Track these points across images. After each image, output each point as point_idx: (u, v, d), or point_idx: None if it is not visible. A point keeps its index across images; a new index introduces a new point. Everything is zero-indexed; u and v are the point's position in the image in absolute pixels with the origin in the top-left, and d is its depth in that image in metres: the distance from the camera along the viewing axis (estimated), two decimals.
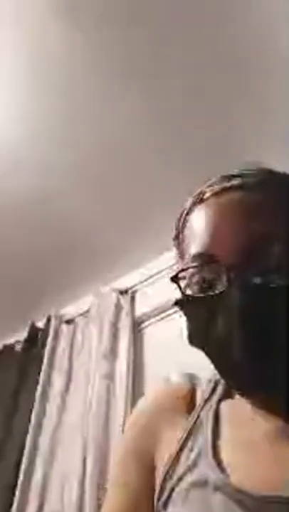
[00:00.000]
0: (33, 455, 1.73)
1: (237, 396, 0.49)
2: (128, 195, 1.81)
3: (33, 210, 1.88)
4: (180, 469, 0.46)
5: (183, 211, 0.51)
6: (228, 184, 0.46)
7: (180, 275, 0.46)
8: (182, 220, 0.51)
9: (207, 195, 0.47)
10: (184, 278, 0.46)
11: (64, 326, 2.13)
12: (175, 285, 0.46)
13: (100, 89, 1.47)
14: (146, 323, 1.95)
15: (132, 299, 1.99)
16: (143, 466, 0.51)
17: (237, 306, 0.39)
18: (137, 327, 1.93)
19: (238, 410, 0.48)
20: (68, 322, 2.14)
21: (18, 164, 1.69)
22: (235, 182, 0.46)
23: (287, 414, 0.43)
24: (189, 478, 0.44)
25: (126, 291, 2.00)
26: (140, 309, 1.95)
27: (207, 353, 0.45)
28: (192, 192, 0.51)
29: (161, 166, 1.69)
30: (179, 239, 0.52)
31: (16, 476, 1.69)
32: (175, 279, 0.46)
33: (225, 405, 0.50)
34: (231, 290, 0.40)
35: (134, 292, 2.02)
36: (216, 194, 0.46)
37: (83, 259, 2.09)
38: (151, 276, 1.96)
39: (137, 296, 2.01)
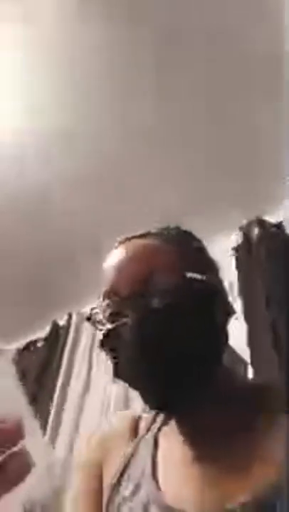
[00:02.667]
0: None
1: (172, 421, 0.55)
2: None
3: (56, 208, 1.89)
4: (121, 495, 0.51)
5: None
6: (130, 236, 0.58)
7: (95, 316, 0.54)
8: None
9: (116, 244, 0.58)
10: (100, 320, 0.53)
11: (85, 323, 2.13)
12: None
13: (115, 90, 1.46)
14: None
15: None
16: (95, 477, 0.57)
17: (132, 325, 0.48)
18: None
19: (171, 435, 0.54)
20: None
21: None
22: (138, 234, 0.58)
23: (206, 435, 0.50)
24: (134, 498, 0.50)
25: None
26: None
27: (126, 382, 0.52)
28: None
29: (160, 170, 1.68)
30: None
31: None
32: (90, 319, 0.54)
33: (163, 431, 0.56)
34: (128, 317, 0.48)
35: None
36: (122, 243, 0.58)
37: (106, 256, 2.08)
38: None
39: None
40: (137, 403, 1.59)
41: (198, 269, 0.53)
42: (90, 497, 0.56)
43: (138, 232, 0.59)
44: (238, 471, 0.46)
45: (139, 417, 0.62)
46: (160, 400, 0.50)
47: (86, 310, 2.23)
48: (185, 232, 0.61)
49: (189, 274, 0.51)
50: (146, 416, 0.61)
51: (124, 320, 0.49)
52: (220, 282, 0.57)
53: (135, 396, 1.60)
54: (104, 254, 0.58)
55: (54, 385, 1.94)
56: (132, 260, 0.54)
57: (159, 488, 0.48)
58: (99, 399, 1.73)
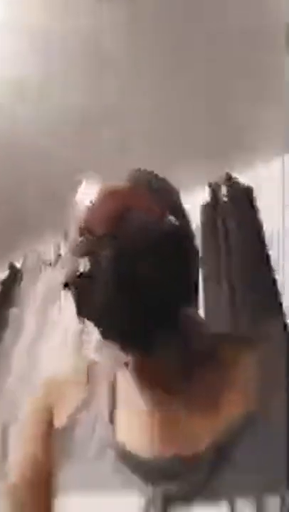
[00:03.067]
0: None
1: (130, 366, 0.55)
2: (116, 136, 1.72)
3: (15, 145, 1.79)
4: (78, 432, 0.51)
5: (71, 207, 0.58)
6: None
7: (64, 256, 0.48)
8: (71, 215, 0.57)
9: (87, 182, 0.57)
10: (70, 260, 0.52)
11: (42, 266, 2.09)
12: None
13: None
14: None
15: None
16: (45, 432, 0.55)
17: (109, 264, 0.47)
18: None
19: (128, 380, 0.54)
20: (48, 262, 2.09)
21: None
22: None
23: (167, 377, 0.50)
24: (87, 442, 0.49)
25: None
26: None
27: (93, 321, 0.51)
28: None
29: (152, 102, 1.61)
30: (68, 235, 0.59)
31: None
32: (60, 257, 0.49)
33: (120, 375, 0.56)
34: (104, 253, 0.48)
35: None
36: (93, 181, 0.55)
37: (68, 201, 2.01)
38: None
39: None
40: (94, 342, 1.61)
41: (172, 212, 0.53)
42: (38, 441, 0.55)
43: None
44: (201, 414, 0.46)
45: (95, 362, 0.61)
46: (126, 341, 0.50)
47: (44, 249, 2.19)
48: (161, 178, 0.60)
49: (166, 216, 0.51)
50: (104, 360, 0.60)
51: (99, 259, 0.48)
52: (192, 231, 0.57)
53: (91, 339, 1.62)
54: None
55: (6, 325, 1.92)
56: (107, 198, 0.53)
57: (115, 434, 0.48)
58: (53, 340, 1.73)
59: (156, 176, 0.60)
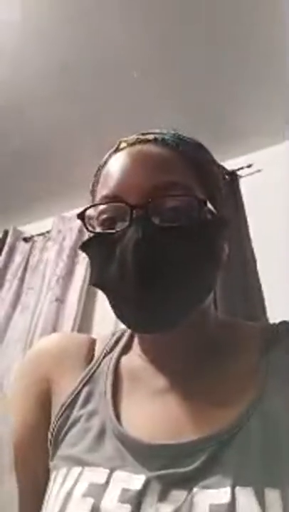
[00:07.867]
0: None
1: (134, 347, 0.53)
2: (107, 113, 1.67)
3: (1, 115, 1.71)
4: (77, 414, 0.48)
5: (100, 164, 0.53)
6: (142, 137, 0.50)
7: (88, 216, 0.48)
8: (99, 171, 0.53)
9: (122, 145, 0.51)
10: (91, 219, 0.49)
11: (21, 243, 2.05)
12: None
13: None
14: None
15: None
16: (38, 398, 0.52)
17: (133, 241, 0.43)
18: None
19: (134, 364, 0.51)
20: (26, 240, 2.06)
21: None
22: (149, 136, 0.50)
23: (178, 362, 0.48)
24: (86, 424, 0.46)
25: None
26: None
27: (105, 291, 0.48)
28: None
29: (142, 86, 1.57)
30: (94, 191, 0.53)
31: None
32: (82, 216, 0.48)
33: (124, 359, 0.53)
34: (131, 227, 0.43)
35: None
36: (130, 144, 0.50)
37: (51, 180, 1.97)
38: None
39: None
40: (67, 326, 1.60)
41: (212, 194, 0.49)
42: (30, 412, 0.51)
43: (145, 134, 0.51)
44: (209, 400, 0.45)
45: (94, 340, 0.57)
46: (144, 319, 0.46)
47: (24, 228, 2.14)
48: (200, 146, 0.54)
49: (206, 205, 0.46)
50: (102, 339, 0.57)
51: (126, 229, 0.44)
52: (226, 223, 0.51)
53: (65, 319, 1.61)
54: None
55: None
56: (147, 167, 0.47)
57: (118, 416, 0.46)
58: (27, 318, 1.71)
59: (194, 142, 0.53)
